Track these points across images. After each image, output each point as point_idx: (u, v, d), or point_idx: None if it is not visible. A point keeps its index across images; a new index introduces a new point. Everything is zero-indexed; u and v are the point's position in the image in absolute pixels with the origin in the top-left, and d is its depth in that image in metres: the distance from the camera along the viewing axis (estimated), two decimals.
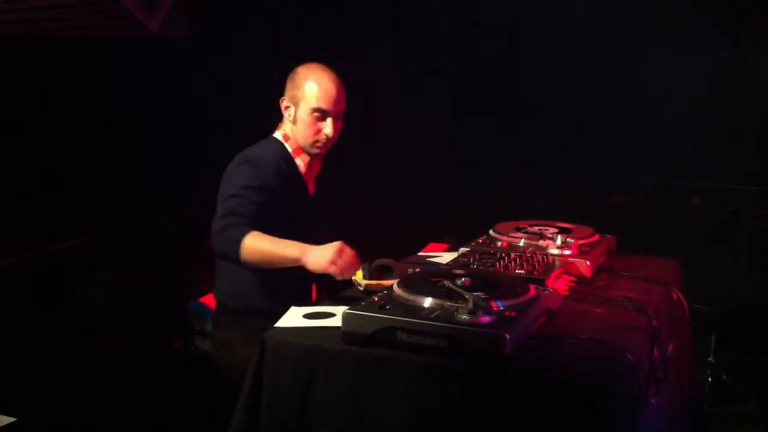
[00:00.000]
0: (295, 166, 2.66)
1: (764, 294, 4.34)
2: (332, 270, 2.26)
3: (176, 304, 4.01)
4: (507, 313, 1.86)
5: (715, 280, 4.21)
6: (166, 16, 4.21)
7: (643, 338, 2.03)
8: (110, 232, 3.93)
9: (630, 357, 1.84)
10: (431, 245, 2.98)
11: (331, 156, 2.77)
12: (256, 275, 2.54)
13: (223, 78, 4.42)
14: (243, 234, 2.35)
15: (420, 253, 2.87)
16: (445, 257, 2.75)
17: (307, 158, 2.68)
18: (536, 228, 2.73)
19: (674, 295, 2.45)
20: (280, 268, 2.39)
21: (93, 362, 3.57)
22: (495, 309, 1.86)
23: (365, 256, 2.38)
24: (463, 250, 2.55)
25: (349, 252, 2.28)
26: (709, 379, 3.97)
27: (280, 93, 2.70)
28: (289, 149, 2.67)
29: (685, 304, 2.50)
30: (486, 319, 1.81)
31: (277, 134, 2.71)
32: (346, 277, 2.31)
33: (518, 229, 2.73)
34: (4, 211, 3.40)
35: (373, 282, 2.33)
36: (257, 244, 2.34)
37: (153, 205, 4.04)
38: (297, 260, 2.32)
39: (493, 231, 2.73)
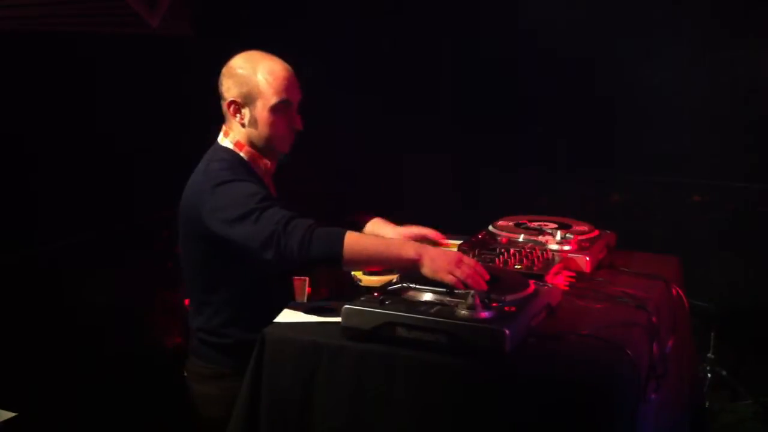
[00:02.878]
0: (256, 174, 2.31)
1: (764, 291, 4.34)
2: (449, 279, 1.97)
3: (176, 303, 4.02)
4: (506, 309, 1.86)
5: (715, 277, 4.22)
6: (166, 12, 4.20)
7: (643, 335, 2.03)
8: (111, 230, 3.93)
9: (630, 353, 1.84)
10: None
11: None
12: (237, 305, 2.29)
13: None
14: (341, 231, 2.02)
15: None
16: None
17: (267, 162, 2.36)
18: (536, 224, 2.73)
19: (674, 292, 2.44)
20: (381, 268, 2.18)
21: (93, 359, 3.58)
22: (494, 304, 1.86)
23: None
24: (462, 245, 2.55)
25: (469, 262, 2.02)
26: (709, 375, 3.98)
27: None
28: (245, 158, 2.31)
29: (685, 300, 2.49)
30: (485, 314, 1.81)
31: (226, 143, 2.34)
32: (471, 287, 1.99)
33: (518, 225, 2.72)
34: (4, 211, 3.39)
35: (374, 278, 2.33)
36: (363, 242, 2.06)
37: (153, 204, 4.03)
38: (413, 262, 2.03)
39: (493, 226, 2.72)
